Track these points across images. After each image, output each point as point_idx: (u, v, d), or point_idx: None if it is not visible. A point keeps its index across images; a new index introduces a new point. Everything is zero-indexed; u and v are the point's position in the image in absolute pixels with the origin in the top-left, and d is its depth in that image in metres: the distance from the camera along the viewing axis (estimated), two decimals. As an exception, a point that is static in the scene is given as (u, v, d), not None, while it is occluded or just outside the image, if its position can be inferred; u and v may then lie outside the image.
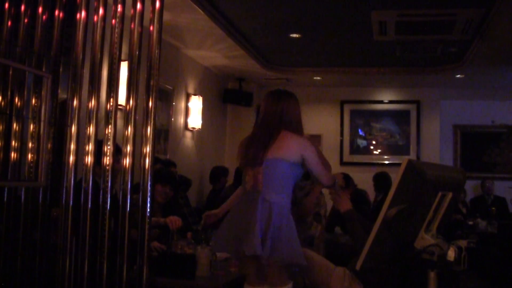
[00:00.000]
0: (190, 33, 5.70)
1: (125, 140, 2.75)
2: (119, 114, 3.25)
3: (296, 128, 3.09)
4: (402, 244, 1.93)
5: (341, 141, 8.63)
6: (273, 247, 2.86)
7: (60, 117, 2.91)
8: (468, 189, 7.82)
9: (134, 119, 2.76)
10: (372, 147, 8.60)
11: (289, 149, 3.00)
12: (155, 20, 2.76)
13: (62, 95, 2.99)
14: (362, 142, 8.62)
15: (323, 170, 3.10)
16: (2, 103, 2.84)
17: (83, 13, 2.86)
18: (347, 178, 6.50)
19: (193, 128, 6.90)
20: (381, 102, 8.62)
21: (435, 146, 8.42)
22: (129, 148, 2.74)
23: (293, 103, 3.13)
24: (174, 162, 5.46)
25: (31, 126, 2.85)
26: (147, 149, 2.68)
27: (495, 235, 6.14)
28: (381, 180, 6.54)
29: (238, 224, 3.00)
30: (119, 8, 2.84)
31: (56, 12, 2.94)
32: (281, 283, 2.95)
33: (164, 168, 4.67)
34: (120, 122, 2.97)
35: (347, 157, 8.54)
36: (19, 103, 2.88)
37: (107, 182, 2.76)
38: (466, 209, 7.42)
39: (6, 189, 2.80)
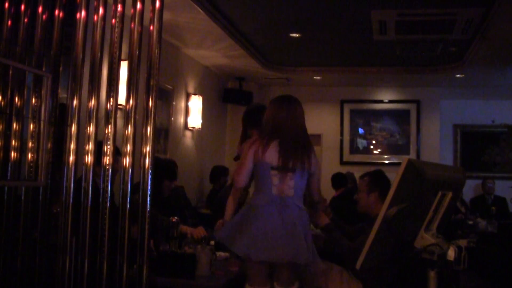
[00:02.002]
0: (190, 33, 5.70)
1: (125, 139, 2.75)
2: (119, 113, 3.25)
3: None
4: (402, 244, 1.93)
5: (341, 141, 8.63)
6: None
7: (60, 118, 2.91)
8: (468, 188, 7.81)
9: (134, 118, 2.76)
10: (372, 147, 8.60)
11: (310, 163, 3.07)
12: (155, 20, 2.76)
13: (62, 94, 2.99)
14: (362, 142, 8.62)
15: (319, 186, 3.22)
16: (2, 102, 2.83)
17: (83, 13, 2.86)
18: (345, 177, 6.55)
19: (193, 127, 6.89)
20: (381, 101, 8.62)
21: (435, 146, 8.42)
22: (129, 147, 2.74)
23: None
24: (175, 162, 5.45)
25: (31, 126, 2.85)
26: (147, 148, 2.69)
27: (495, 235, 6.14)
28: None
29: (273, 229, 2.91)
30: (119, 8, 2.84)
31: (56, 12, 2.94)
32: (290, 282, 3.01)
33: (170, 163, 4.72)
34: (120, 122, 2.97)
35: (347, 157, 8.54)
36: (19, 103, 2.88)
37: (107, 181, 2.76)
38: (465, 207, 7.41)
39: (6, 189, 2.80)
